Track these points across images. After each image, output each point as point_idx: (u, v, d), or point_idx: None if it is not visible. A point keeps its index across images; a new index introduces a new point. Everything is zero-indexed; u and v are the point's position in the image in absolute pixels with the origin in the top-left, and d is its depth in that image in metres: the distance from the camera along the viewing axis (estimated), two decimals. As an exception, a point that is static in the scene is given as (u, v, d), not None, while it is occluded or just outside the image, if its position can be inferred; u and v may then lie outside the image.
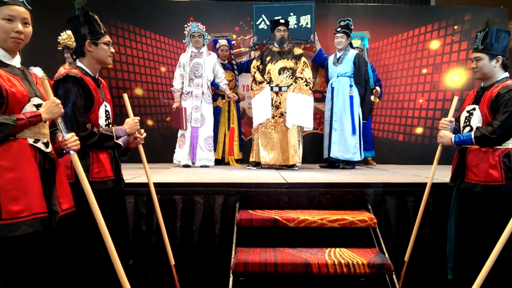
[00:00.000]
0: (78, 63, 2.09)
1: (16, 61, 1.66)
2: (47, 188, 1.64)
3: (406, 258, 2.59)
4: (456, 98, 2.50)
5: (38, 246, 1.60)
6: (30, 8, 1.65)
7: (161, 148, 5.46)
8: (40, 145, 1.64)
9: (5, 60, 1.61)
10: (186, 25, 4.93)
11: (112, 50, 2.14)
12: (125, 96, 2.35)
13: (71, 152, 1.71)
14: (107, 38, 2.10)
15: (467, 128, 2.39)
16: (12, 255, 1.53)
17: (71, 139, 1.70)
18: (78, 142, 1.74)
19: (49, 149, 1.70)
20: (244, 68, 5.35)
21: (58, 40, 4.31)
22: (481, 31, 2.36)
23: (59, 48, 4.38)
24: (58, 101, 1.64)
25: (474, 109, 2.37)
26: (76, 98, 1.94)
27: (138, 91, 5.73)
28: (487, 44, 2.30)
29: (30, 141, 1.60)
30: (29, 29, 1.64)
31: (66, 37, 4.28)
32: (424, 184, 2.59)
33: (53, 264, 1.70)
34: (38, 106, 1.64)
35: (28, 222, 1.54)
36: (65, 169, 1.93)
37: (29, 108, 1.60)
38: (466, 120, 2.42)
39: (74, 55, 2.13)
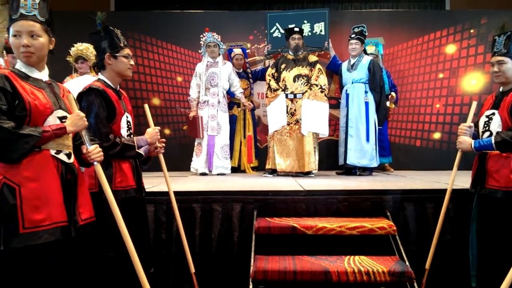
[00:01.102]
0: (100, 76, 2.15)
1: (43, 75, 1.71)
2: (68, 198, 1.69)
3: (427, 265, 2.56)
4: (475, 103, 2.48)
5: (59, 254, 1.64)
6: (40, 20, 1.66)
7: (178, 157, 5.52)
8: (62, 156, 1.69)
9: (29, 73, 1.67)
10: (201, 35, 5.00)
11: (132, 62, 2.20)
12: (146, 106, 2.40)
13: (95, 163, 1.75)
14: (126, 51, 2.16)
15: (487, 133, 2.36)
16: (34, 263, 1.57)
17: (94, 150, 1.75)
18: (102, 153, 1.79)
19: (71, 160, 1.75)
20: (259, 76, 5.38)
21: (71, 50, 4.41)
22: (500, 34, 2.34)
23: (68, 58, 4.47)
24: (83, 114, 1.70)
25: (493, 114, 2.34)
26: (99, 109, 2.00)
27: (155, 101, 5.81)
28: (510, 47, 2.28)
29: (52, 152, 1.65)
30: (39, 41, 1.65)
31: (84, 47, 4.38)
32: (444, 191, 2.56)
33: (74, 273, 1.73)
34: (62, 118, 1.69)
35: (49, 231, 1.58)
36: (89, 179, 1.99)
37: (51, 120, 1.65)
38: (485, 125, 2.39)
39: (95, 67, 2.19)
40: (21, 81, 1.62)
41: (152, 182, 3.46)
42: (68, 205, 1.69)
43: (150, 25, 5.83)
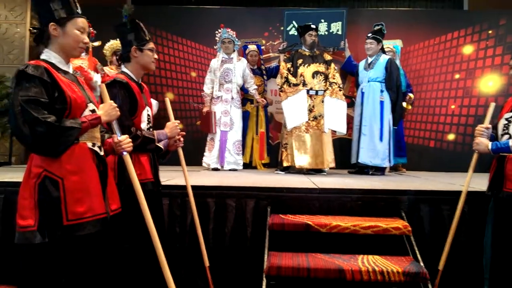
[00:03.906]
0: (123, 69, 2.16)
1: (69, 68, 1.74)
2: (102, 190, 1.71)
3: (441, 267, 2.54)
4: (492, 105, 2.45)
5: (97, 245, 1.68)
6: None
7: (190, 151, 5.52)
8: (96, 148, 1.72)
9: (62, 66, 1.68)
10: (217, 31, 5.02)
11: (156, 56, 2.20)
12: (167, 100, 2.41)
13: (124, 153, 1.78)
14: (151, 45, 2.17)
15: (506, 136, 2.34)
16: (74, 254, 1.60)
17: (125, 140, 1.78)
18: (132, 144, 1.81)
19: (102, 152, 1.78)
20: (274, 73, 5.38)
21: (107, 45, 4.46)
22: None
23: (104, 52, 4.52)
24: (115, 104, 1.73)
25: (513, 116, 2.32)
26: (123, 102, 2.01)
27: (169, 95, 5.83)
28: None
29: (89, 144, 1.68)
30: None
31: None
32: (459, 192, 2.54)
33: (105, 263, 1.77)
34: (92, 111, 1.71)
35: (92, 223, 1.62)
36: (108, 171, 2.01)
37: (87, 114, 1.67)
38: (505, 128, 2.36)
39: (119, 60, 2.21)
40: (58, 73, 1.63)
41: (167, 176, 3.49)
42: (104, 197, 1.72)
43: (166, 20, 5.86)
